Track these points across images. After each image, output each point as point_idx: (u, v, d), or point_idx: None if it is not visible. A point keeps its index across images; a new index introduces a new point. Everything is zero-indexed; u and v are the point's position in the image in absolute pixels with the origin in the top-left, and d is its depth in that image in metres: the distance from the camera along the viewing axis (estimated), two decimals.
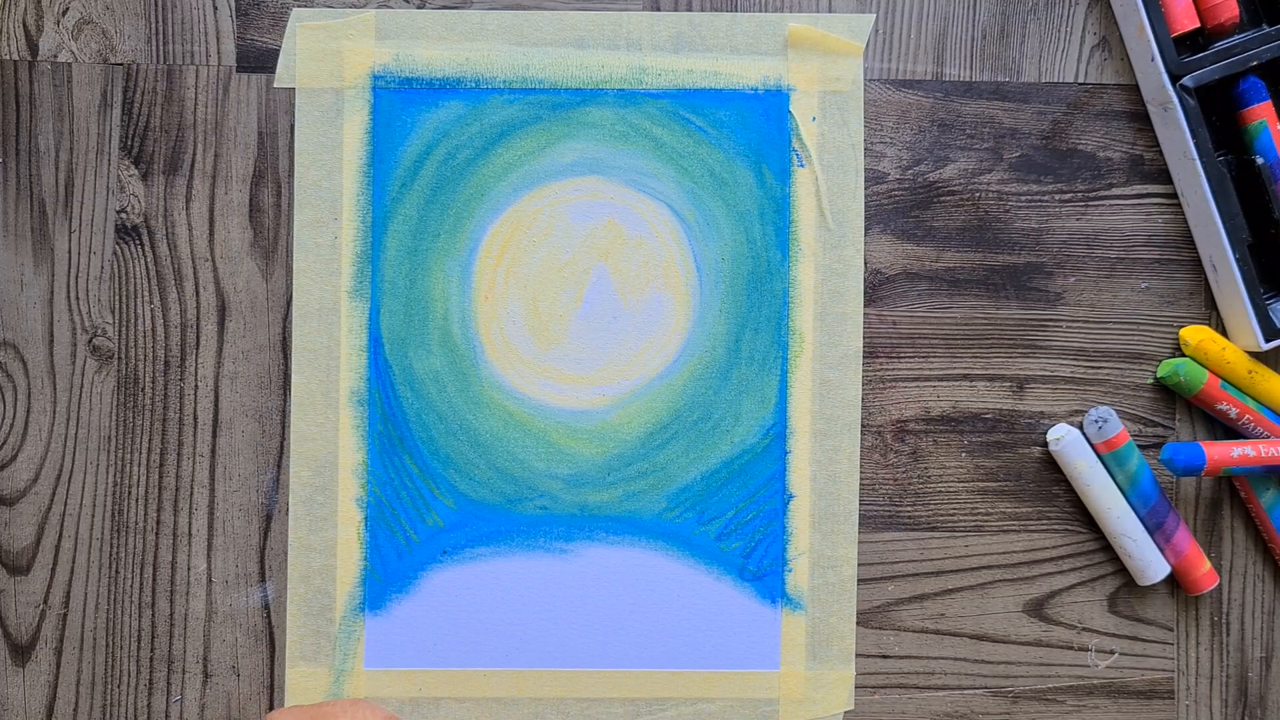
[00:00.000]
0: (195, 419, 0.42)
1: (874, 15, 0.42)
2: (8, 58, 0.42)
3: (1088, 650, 0.42)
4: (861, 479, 0.42)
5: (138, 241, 0.42)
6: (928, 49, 0.42)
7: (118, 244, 0.42)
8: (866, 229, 0.42)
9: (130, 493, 0.41)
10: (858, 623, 0.42)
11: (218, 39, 0.42)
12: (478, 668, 0.41)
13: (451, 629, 0.41)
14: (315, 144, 0.42)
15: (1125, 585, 0.42)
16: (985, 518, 0.42)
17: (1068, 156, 0.42)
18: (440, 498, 0.41)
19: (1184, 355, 0.42)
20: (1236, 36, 0.41)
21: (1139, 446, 0.42)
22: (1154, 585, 0.42)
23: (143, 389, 0.41)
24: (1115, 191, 0.42)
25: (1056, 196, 0.42)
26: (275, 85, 0.42)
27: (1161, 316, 0.42)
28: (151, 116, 0.42)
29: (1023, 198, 0.42)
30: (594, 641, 0.41)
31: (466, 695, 0.41)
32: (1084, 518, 0.42)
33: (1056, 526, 0.42)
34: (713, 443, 0.42)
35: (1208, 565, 0.42)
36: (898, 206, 0.42)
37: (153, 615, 0.41)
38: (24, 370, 0.41)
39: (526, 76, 0.42)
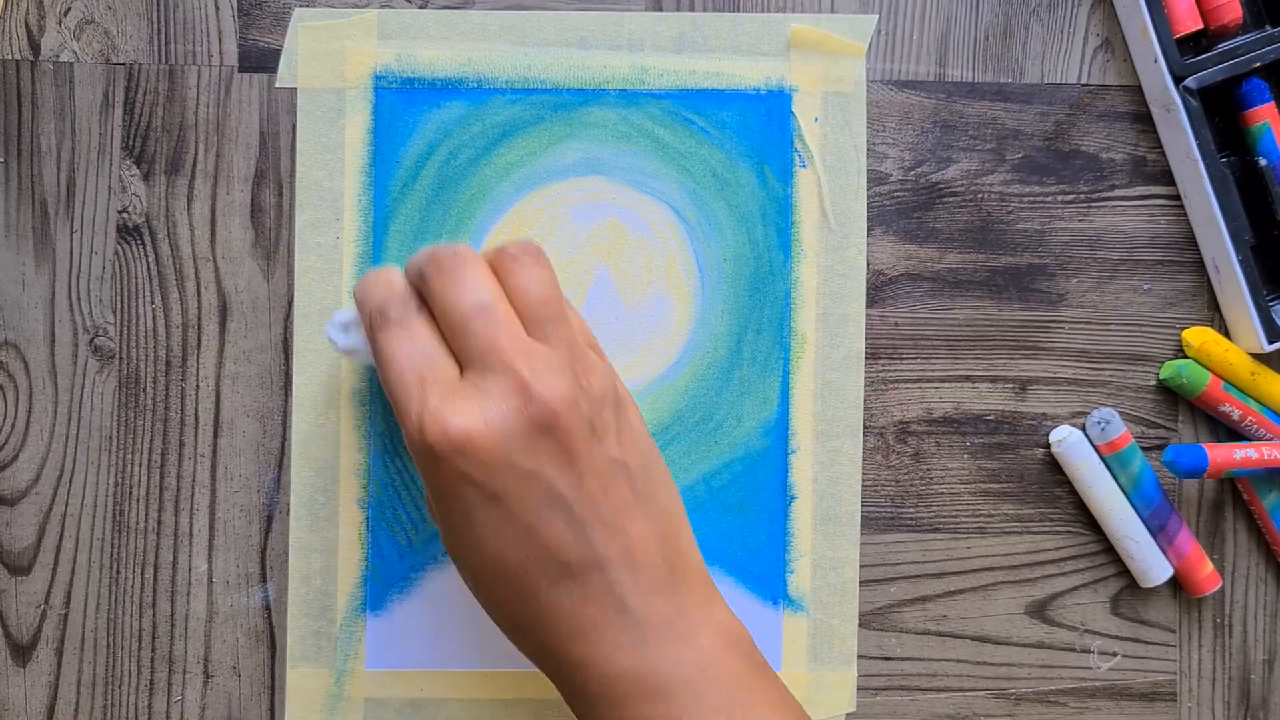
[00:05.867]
0: (196, 419, 0.41)
1: (876, 16, 0.42)
2: (9, 57, 0.42)
3: (1090, 652, 0.42)
4: (863, 480, 0.42)
5: (139, 241, 0.42)
6: (930, 50, 0.42)
7: (119, 244, 0.42)
8: (869, 230, 0.42)
9: (131, 493, 0.41)
10: (860, 624, 0.42)
11: (220, 39, 0.42)
12: (480, 668, 0.41)
13: (453, 629, 0.41)
14: (317, 144, 0.41)
15: (1128, 587, 0.42)
16: (987, 519, 0.42)
17: (1070, 158, 0.42)
18: None
19: (1186, 357, 0.42)
20: (1240, 38, 0.41)
21: (1141, 448, 0.42)
22: (1156, 587, 0.42)
23: (144, 389, 0.41)
24: (1118, 193, 0.42)
25: (1059, 198, 0.42)
26: (277, 85, 0.42)
27: (1164, 318, 0.42)
28: (153, 116, 0.42)
29: (1025, 199, 0.42)
30: None
31: (468, 696, 0.41)
32: (1086, 519, 0.42)
33: (1059, 528, 0.42)
34: (714, 444, 0.42)
35: (1210, 567, 0.41)
36: (900, 207, 0.42)
37: (153, 615, 0.41)
38: (25, 370, 0.41)
39: (528, 77, 0.42)
